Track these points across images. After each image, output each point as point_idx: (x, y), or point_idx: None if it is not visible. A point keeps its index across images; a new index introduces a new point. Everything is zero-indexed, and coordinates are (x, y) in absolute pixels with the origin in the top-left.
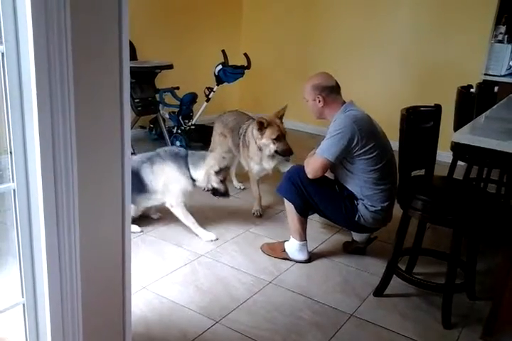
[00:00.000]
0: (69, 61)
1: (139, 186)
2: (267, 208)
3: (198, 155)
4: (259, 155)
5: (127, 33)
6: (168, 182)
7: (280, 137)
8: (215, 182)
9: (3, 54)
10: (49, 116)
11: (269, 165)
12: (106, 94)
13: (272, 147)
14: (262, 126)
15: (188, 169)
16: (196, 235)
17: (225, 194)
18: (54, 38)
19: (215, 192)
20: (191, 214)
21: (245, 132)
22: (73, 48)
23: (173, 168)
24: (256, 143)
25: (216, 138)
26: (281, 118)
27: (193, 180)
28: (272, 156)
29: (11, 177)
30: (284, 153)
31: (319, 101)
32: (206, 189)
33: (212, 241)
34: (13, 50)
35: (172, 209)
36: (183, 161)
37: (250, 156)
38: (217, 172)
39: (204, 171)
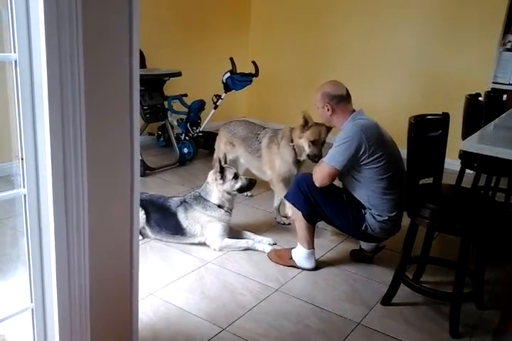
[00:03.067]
0: (80, 69)
1: (178, 228)
2: (273, 215)
3: (204, 185)
4: (292, 156)
5: (137, 42)
6: (204, 225)
7: (317, 141)
8: (235, 185)
9: (16, 61)
10: (60, 123)
11: (296, 167)
12: (116, 101)
13: (306, 149)
14: (305, 124)
15: (208, 200)
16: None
17: (249, 185)
18: (66, 46)
19: (241, 190)
20: (231, 234)
21: (274, 133)
22: (85, 57)
23: (201, 212)
24: (292, 142)
25: (222, 146)
26: (329, 130)
27: (220, 207)
28: (300, 163)
29: (21, 182)
30: (313, 158)
31: (328, 110)
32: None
33: (272, 244)
34: (25, 57)
35: (219, 251)
36: (203, 199)
37: (281, 154)
38: (222, 178)
39: (215, 189)
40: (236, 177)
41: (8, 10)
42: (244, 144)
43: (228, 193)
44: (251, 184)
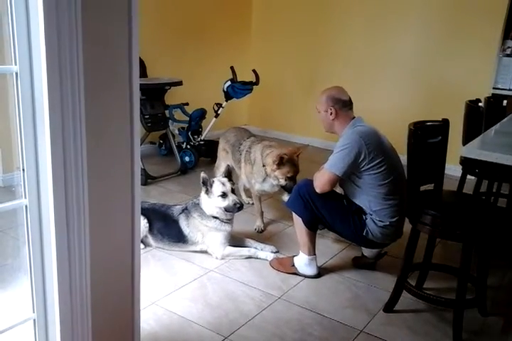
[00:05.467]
0: (80, 80)
1: (180, 236)
2: (275, 222)
3: (200, 196)
4: (263, 177)
5: (137, 51)
6: (204, 233)
7: (294, 177)
8: (222, 202)
9: (17, 73)
10: (60, 134)
11: (270, 189)
12: (116, 111)
13: (282, 182)
14: (281, 162)
15: (203, 210)
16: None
17: (233, 209)
18: (66, 57)
19: (227, 210)
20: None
21: (250, 149)
22: (85, 67)
23: (200, 221)
24: (264, 166)
25: (220, 153)
26: (298, 156)
27: (216, 218)
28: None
29: (23, 193)
30: (290, 191)
31: (331, 114)
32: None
33: (274, 252)
34: (26, 69)
35: (221, 260)
36: (200, 208)
37: (254, 174)
38: (207, 192)
39: (205, 200)
40: (224, 195)
41: (9, 22)
42: (231, 151)
43: (218, 207)
44: (235, 208)
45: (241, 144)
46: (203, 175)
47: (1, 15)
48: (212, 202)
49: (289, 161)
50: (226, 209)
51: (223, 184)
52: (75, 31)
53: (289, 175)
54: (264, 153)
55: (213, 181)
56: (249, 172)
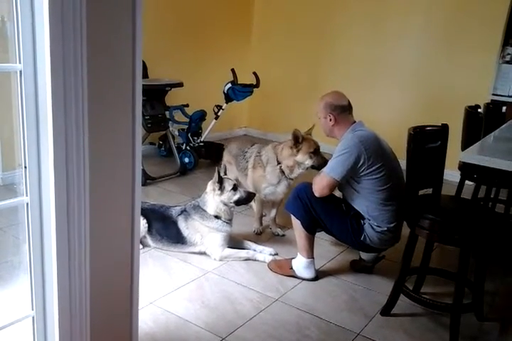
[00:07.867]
0: (84, 80)
1: (178, 237)
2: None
3: (202, 195)
4: (278, 178)
5: (140, 52)
6: (203, 235)
7: (317, 150)
8: (233, 196)
9: (20, 72)
10: (63, 132)
11: (282, 190)
12: (118, 111)
13: (309, 162)
14: (297, 141)
15: (205, 211)
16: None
17: (248, 198)
18: (70, 57)
19: (239, 202)
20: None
21: (259, 153)
22: (88, 67)
23: (199, 222)
24: (280, 164)
25: (225, 165)
26: (310, 134)
27: (217, 217)
28: (288, 181)
29: (24, 191)
30: (321, 166)
31: (330, 120)
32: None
33: (273, 255)
34: (30, 68)
35: (219, 261)
36: (201, 209)
37: (266, 176)
38: (220, 188)
39: (212, 199)
40: (235, 188)
41: (14, 21)
42: (235, 162)
43: (225, 204)
44: (249, 197)
45: (245, 152)
46: (218, 174)
47: (6, 13)
48: (223, 197)
49: (304, 139)
50: (237, 202)
51: (230, 179)
52: (80, 30)
53: (311, 150)
54: (277, 150)
55: (221, 178)
56: (260, 175)
